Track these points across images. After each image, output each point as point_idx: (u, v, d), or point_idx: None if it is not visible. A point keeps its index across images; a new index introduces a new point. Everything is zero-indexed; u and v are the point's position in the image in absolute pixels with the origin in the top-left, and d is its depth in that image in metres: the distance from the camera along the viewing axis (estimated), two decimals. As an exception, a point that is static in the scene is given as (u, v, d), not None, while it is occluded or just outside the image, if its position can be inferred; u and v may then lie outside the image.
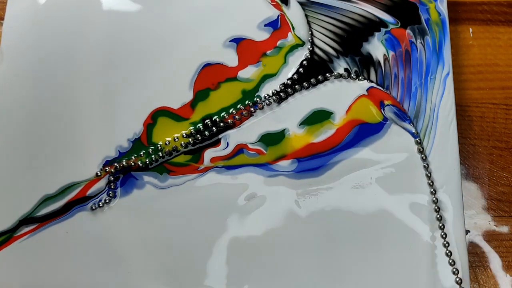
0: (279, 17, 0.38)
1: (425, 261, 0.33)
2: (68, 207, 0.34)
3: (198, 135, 0.34)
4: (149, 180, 0.34)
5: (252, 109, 0.35)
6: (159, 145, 0.35)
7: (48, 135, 0.35)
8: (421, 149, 0.34)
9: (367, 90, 0.36)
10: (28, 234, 0.33)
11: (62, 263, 0.33)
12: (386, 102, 0.36)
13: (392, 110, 0.36)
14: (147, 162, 0.35)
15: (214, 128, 0.35)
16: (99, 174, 0.34)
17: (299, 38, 0.37)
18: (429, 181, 0.34)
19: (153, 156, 0.35)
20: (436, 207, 0.34)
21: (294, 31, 0.37)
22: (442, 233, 0.33)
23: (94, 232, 0.33)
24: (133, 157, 0.35)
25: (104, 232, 0.33)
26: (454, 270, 0.33)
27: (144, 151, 0.35)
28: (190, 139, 0.34)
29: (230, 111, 0.36)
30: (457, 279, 0.32)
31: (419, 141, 0.35)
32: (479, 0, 0.42)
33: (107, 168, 0.34)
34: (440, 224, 0.33)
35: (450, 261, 0.33)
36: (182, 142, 0.35)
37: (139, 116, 0.36)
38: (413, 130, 0.35)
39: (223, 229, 0.34)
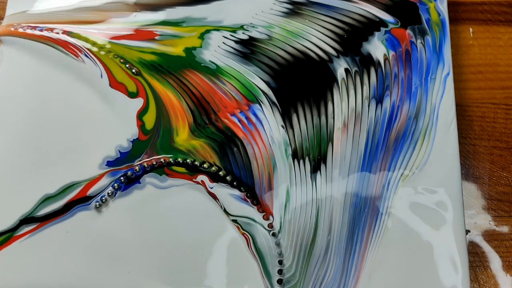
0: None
1: (425, 261, 0.33)
2: (68, 206, 0.34)
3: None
4: (149, 180, 0.34)
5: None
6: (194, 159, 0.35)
7: (48, 135, 0.35)
8: None
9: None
10: (29, 234, 0.33)
11: (62, 263, 0.33)
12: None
13: None
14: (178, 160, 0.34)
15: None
16: (137, 168, 0.34)
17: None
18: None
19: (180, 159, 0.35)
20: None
21: None
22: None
23: (94, 232, 0.33)
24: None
25: (104, 232, 0.33)
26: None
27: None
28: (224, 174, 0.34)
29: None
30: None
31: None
32: (479, 0, 0.42)
33: (144, 164, 0.34)
34: None
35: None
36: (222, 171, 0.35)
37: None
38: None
39: (223, 229, 0.34)
